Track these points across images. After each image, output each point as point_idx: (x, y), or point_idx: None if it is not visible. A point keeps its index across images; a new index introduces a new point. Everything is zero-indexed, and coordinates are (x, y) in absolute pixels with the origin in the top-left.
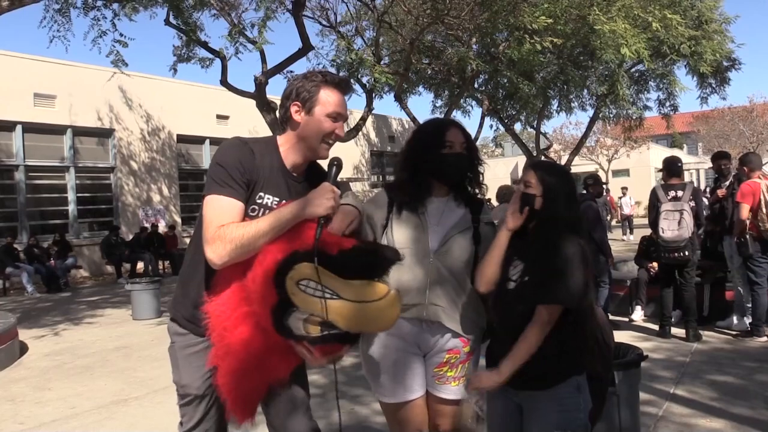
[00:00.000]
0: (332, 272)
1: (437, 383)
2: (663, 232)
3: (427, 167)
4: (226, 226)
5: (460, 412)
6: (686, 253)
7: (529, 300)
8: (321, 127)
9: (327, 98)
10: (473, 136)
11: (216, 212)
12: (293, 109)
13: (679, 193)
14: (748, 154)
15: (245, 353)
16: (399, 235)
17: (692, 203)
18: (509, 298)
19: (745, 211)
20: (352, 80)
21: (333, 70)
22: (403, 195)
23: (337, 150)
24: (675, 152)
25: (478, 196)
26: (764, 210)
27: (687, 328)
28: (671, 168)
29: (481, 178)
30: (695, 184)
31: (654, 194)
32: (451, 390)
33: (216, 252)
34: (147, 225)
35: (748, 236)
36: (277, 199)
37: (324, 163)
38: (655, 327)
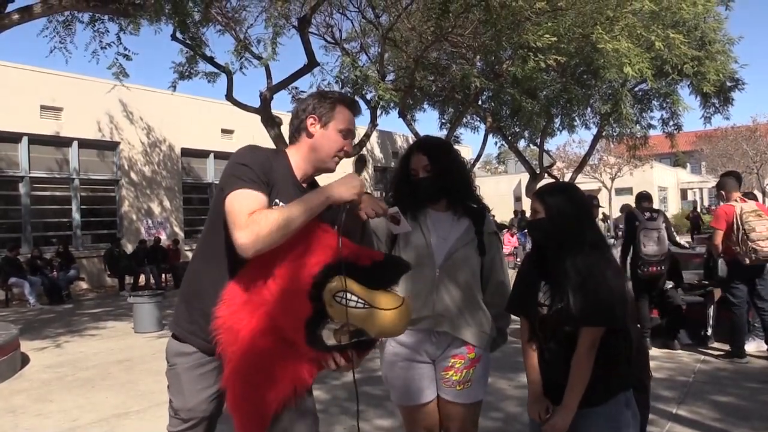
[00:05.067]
0: (363, 283)
1: (444, 386)
2: (645, 247)
3: (404, 191)
4: (257, 212)
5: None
6: (663, 267)
7: (572, 324)
8: (334, 141)
9: (341, 115)
10: (477, 153)
11: (245, 202)
12: (309, 121)
13: (654, 215)
14: (724, 177)
15: (261, 365)
16: (405, 250)
17: (664, 225)
18: (548, 323)
19: (718, 237)
20: (356, 97)
21: (337, 87)
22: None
23: (342, 164)
24: (678, 171)
25: (477, 206)
26: (735, 233)
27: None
28: (642, 197)
29: (467, 190)
30: (697, 203)
31: (632, 215)
32: (456, 393)
33: (249, 237)
34: (149, 238)
35: (720, 260)
36: None
37: (332, 177)
38: (658, 346)
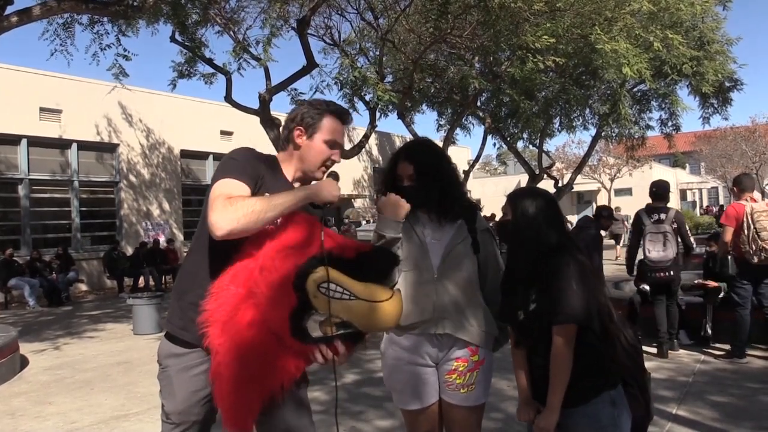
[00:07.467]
0: (349, 274)
1: (448, 389)
2: (649, 253)
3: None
4: (236, 197)
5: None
6: (671, 272)
7: (544, 324)
8: (319, 152)
9: (327, 126)
10: (476, 154)
11: (226, 189)
12: (296, 132)
13: (662, 216)
14: (740, 176)
15: (248, 357)
16: (403, 256)
17: (674, 225)
18: (526, 323)
19: (728, 234)
20: (355, 98)
21: (337, 88)
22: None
23: (340, 166)
24: (677, 171)
25: (467, 204)
26: (745, 232)
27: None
28: (661, 191)
29: (455, 195)
30: (696, 204)
31: (638, 218)
32: (459, 396)
33: (223, 217)
34: (149, 239)
35: (729, 257)
36: None
37: None
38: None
